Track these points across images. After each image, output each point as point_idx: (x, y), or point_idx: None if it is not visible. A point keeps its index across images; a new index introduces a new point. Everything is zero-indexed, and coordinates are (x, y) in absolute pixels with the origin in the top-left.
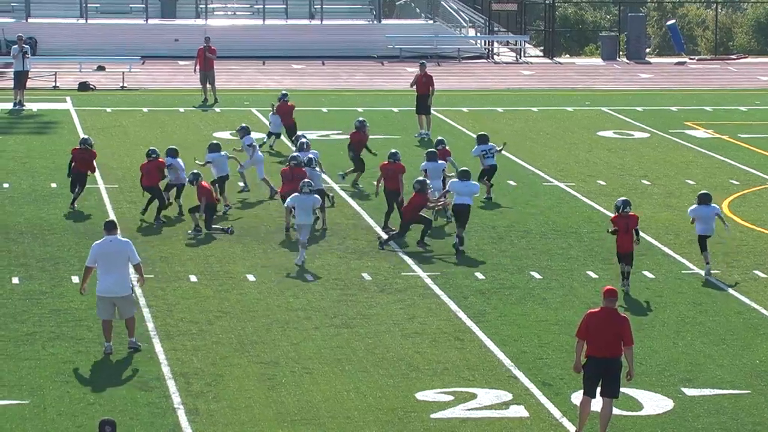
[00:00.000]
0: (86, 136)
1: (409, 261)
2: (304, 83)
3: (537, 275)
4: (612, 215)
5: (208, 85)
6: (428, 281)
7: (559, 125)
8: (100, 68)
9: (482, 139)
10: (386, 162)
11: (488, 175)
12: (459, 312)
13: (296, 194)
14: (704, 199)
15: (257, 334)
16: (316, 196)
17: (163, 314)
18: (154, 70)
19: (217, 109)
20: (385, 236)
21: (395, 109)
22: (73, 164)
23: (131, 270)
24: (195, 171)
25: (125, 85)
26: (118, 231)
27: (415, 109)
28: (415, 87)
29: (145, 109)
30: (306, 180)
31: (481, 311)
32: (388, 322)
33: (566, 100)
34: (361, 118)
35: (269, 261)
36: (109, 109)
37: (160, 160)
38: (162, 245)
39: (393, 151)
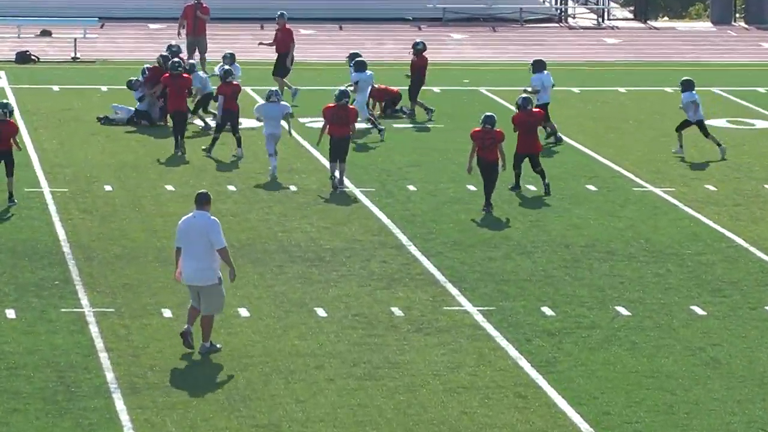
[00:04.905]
0: (5, 101)
1: (454, 291)
2: (315, 54)
3: (625, 311)
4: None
5: (196, 55)
6: (479, 318)
7: (653, 111)
8: (45, 33)
9: (687, 85)
10: (479, 129)
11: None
12: (520, 359)
13: (264, 103)
14: None
15: (251, 387)
16: (285, 102)
17: (126, 361)
18: (117, 35)
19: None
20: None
21: (436, 89)
22: None
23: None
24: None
25: (78, 55)
26: (210, 206)
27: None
28: (274, 45)
29: (104, 88)
30: (274, 89)
31: (550, 359)
32: (425, 373)
33: (664, 78)
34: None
35: (268, 290)
36: (56, 88)
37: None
38: (126, 268)
39: (488, 114)
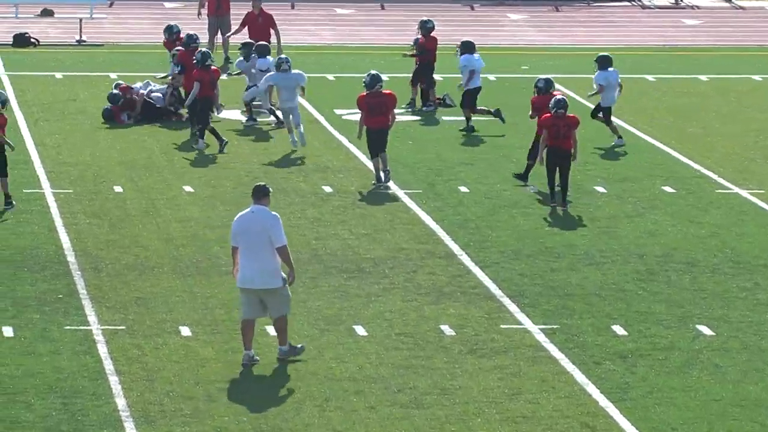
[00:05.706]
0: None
1: (512, 307)
2: (353, 37)
3: (707, 330)
4: None
5: (218, 38)
6: (541, 338)
7: (740, 103)
8: (47, 13)
9: (603, 63)
10: (549, 114)
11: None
12: (588, 385)
13: (274, 72)
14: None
15: (282, 416)
16: (300, 72)
17: (140, 385)
18: (127, 15)
19: (224, 77)
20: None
21: (492, 77)
22: None
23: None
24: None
25: (84, 38)
26: (269, 200)
27: None
28: (247, 31)
29: (113, 75)
30: (283, 56)
31: (622, 384)
32: (480, 400)
33: (752, 65)
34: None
35: (300, 306)
36: (59, 75)
37: None
38: (138, 280)
39: (560, 98)
